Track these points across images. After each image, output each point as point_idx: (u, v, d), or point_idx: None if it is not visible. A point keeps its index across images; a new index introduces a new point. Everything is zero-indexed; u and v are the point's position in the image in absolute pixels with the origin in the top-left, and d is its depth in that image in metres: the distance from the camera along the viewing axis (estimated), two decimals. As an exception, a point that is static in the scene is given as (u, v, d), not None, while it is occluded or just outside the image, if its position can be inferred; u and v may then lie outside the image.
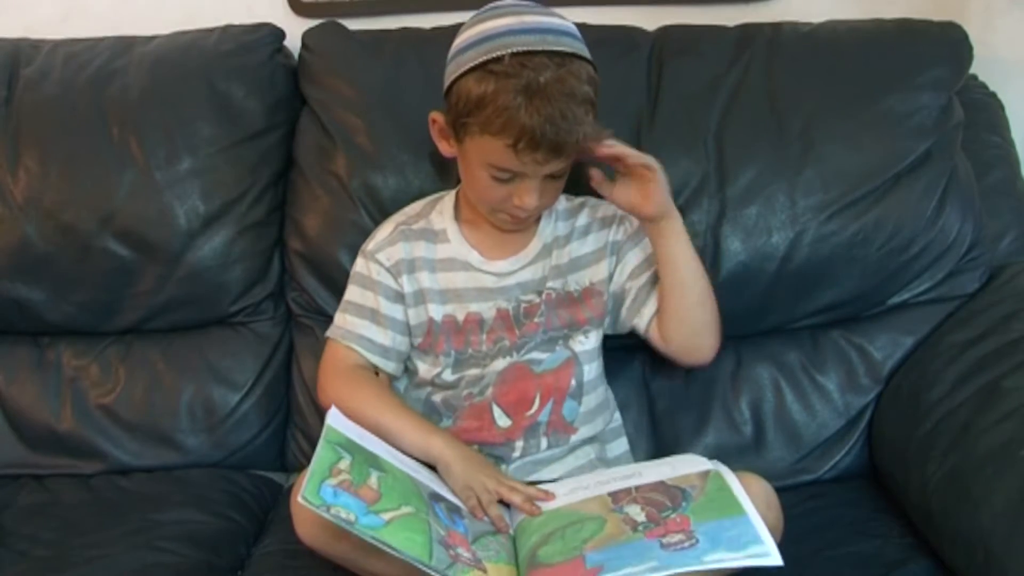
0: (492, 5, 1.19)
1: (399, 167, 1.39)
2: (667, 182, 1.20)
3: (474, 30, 1.16)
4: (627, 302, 1.29)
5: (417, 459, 1.18)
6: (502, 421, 1.25)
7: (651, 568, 0.96)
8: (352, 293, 1.29)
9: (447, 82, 1.18)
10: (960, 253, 1.40)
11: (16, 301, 1.43)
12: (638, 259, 1.28)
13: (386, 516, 1.03)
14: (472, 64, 1.13)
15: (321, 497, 1.01)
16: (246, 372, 1.45)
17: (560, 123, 1.10)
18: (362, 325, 1.27)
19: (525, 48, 1.12)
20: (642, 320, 1.28)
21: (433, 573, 0.99)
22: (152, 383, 1.44)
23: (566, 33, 1.17)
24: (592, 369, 1.28)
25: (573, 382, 1.27)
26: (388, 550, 0.99)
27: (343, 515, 1.00)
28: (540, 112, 1.09)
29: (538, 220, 1.28)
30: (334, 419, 1.15)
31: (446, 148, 1.23)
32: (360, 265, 1.29)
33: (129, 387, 1.44)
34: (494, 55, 1.12)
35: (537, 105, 1.09)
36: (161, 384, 1.44)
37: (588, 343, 1.27)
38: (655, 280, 1.27)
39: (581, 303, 1.27)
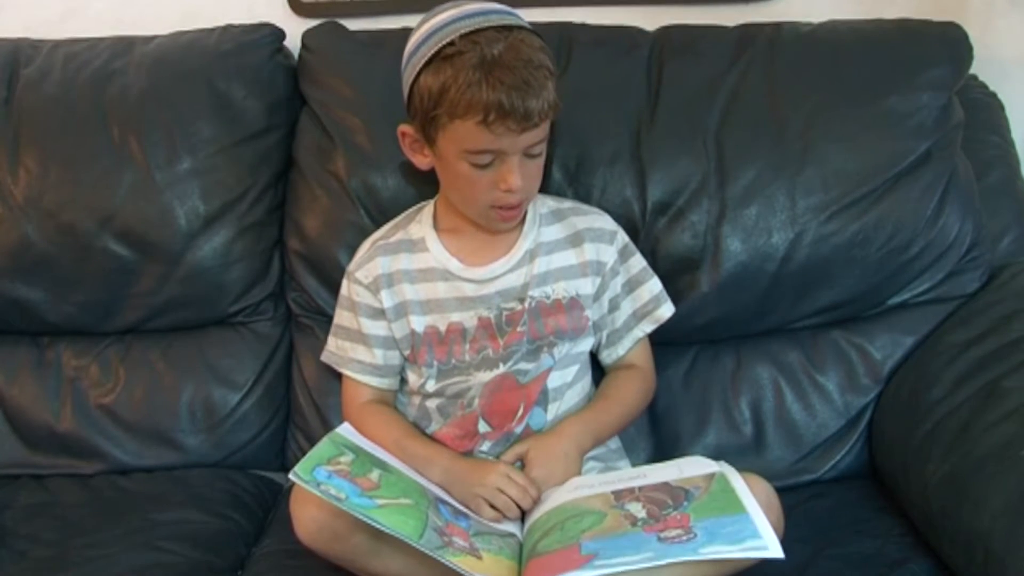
0: (432, 9, 1.20)
1: (398, 167, 1.39)
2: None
3: (420, 32, 1.18)
4: (603, 336, 1.31)
5: None
6: (483, 429, 1.25)
7: (647, 559, 0.97)
8: (338, 316, 1.32)
9: (406, 90, 1.19)
10: (960, 253, 1.40)
11: (16, 301, 1.43)
12: (619, 285, 1.30)
13: (380, 501, 1.03)
14: (425, 59, 1.14)
15: (313, 476, 1.01)
16: (246, 372, 1.45)
17: (524, 88, 1.11)
18: (351, 348, 1.29)
19: (472, 28, 1.13)
20: (608, 358, 1.33)
21: (424, 551, 0.99)
22: (152, 383, 1.44)
23: (508, 12, 1.18)
24: (560, 376, 1.26)
25: (542, 389, 1.25)
26: (377, 527, 0.99)
27: (333, 491, 1.00)
28: (502, 81, 1.10)
29: (522, 222, 1.27)
30: (344, 430, 1.15)
31: (421, 160, 1.24)
32: (344, 287, 1.31)
33: (129, 387, 1.44)
34: (445, 42, 1.13)
35: (498, 75, 1.10)
36: (161, 384, 1.44)
37: (566, 350, 1.26)
38: (631, 318, 1.30)
39: (568, 312, 1.26)
